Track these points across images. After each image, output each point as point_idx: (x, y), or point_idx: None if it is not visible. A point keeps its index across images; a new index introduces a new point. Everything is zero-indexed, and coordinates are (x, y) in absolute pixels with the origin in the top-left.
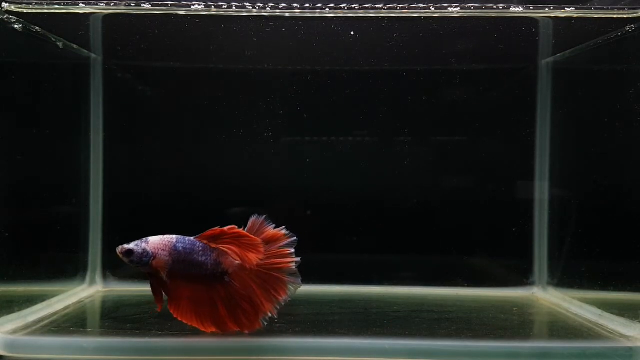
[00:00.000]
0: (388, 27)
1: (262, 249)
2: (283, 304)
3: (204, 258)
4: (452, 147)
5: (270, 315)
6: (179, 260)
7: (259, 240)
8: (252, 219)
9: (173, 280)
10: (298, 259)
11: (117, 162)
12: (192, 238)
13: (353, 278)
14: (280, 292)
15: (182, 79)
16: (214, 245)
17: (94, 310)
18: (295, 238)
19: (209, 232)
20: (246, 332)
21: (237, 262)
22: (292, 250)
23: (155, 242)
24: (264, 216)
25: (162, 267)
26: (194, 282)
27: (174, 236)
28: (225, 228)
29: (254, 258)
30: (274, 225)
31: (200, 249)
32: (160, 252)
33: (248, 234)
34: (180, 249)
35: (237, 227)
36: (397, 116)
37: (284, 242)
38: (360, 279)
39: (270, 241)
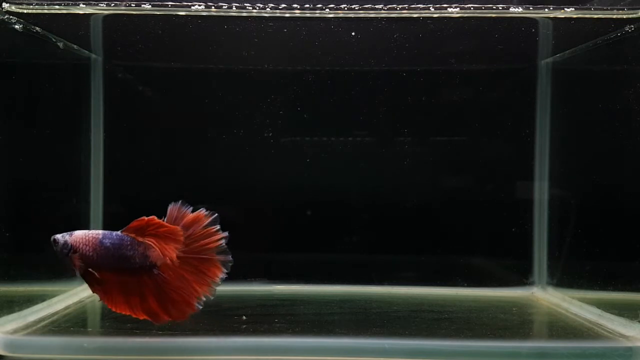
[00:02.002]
0: (388, 27)
1: (181, 237)
2: (220, 283)
3: (131, 252)
4: (452, 147)
5: (205, 298)
6: (107, 255)
7: (177, 228)
8: (170, 207)
9: (103, 274)
10: (225, 233)
11: (118, 162)
12: (119, 233)
13: (353, 278)
14: (215, 273)
15: (182, 79)
16: (140, 239)
17: (95, 310)
18: (216, 215)
19: (134, 224)
20: (178, 321)
21: (163, 253)
22: (217, 227)
23: (78, 237)
24: (180, 201)
25: (85, 261)
26: (124, 275)
27: (101, 232)
28: (148, 219)
29: (173, 249)
30: (191, 209)
31: (128, 243)
32: (82, 246)
33: (166, 223)
34: (108, 244)
35: (156, 217)
36: (397, 116)
37: (206, 222)
38: (360, 279)
39: (191, 225)
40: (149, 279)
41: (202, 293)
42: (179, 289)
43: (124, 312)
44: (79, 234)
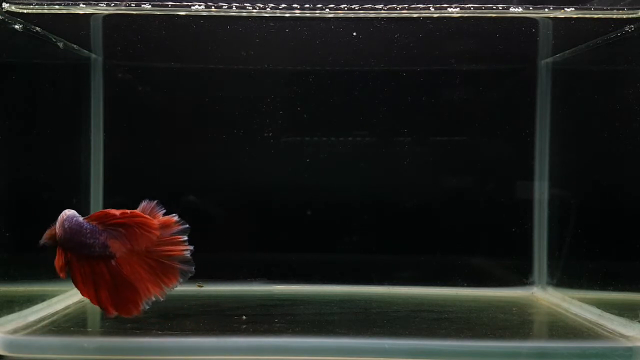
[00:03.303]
0: (388, 27)
1: (157, 230)
2: (172, 290)
3: (90, 240)
4: (452, 147)
5: (155, 299)
6: (66, 238)
7: (152, 220)
8: (143, 204)
9: (70, 255)
10: (191, 247)
11: (117, 162)
12: (81, 219)
13: (353, 278)
14: (171, 279)
15: (182, 79)
16: (102, 228)
17: (95, 310)
18: (187, 226)
19: (96, 214)
20: (124, 316)
21: (126, 246)
22: (185, 238)
23: (66, 215)
24: (155, 201)
25: (52, 238)
26: (84, 261)
27: (68, 212)
28: (107, 210)
29: (146, 240)
30: (164, 211)
31: (88, 231)
32: (57, 224)
33: (142, 213)
34: (67, 227)
35: (128, 210)
36: (397, 116)
37: (176, 229)
38: (360, 279)
39: (161, 228)
40: (105, 269)
41: (154, 294)
42: (132, 285)
43: (84, 296)
44: (63, 212)
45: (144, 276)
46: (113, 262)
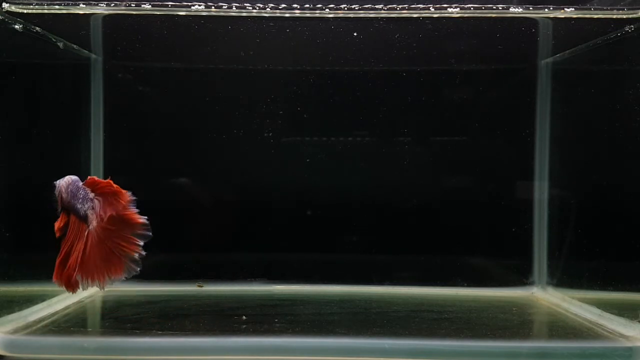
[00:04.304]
0: (388, 27)
1: (126, 200)
2: (112, 284)
3: (80, 205)
4: (452, 147)
5: (96, 286)
6: (67, 201)
7: (123, 191)
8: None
9: (68, 218)
10: (143, 252)
11: (117, 162)
12: (80, 184)
13: (353, 278)
14: (117, 272)
15: (182, 79)
16: (91, 196)
17: (94, 310)
18: (150, 234)
19: (89, 180)
20: (66, 288)
21: (98, 218)
22: (142, 243)
23: (64, 179)
24: (131, 196)
25: (58, 201)
26: (76, 224)
27: (73, 177)
28: (97, 179)
29: (113, 208)
30: (137, 211)
31: (81, 196)
32: (62, 187)
33: (114, 185)
34: (69, 190)
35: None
36: (397, 116)
37: (139, 231)
38: (360, 279)
39: (128, 223)
40: (84, 237)
41: (97, 280)
42: (88, 263)
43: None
44: (68, 177)
45: (97, 259)
46: (86, 231)
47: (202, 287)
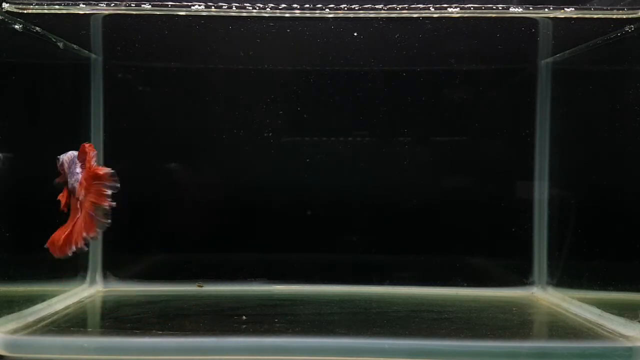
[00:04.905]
0: (388, 27)
1: (90, 155)
2: (91, 241)
3: (73, 179)
4: (452, 147)
5: (77, 248)
6: (67, 175)
7: (87, 145)
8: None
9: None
10: (113, 203)
11: (117, 162)
12: (76, 160)
13: (353, 278)
14: (92, 229)
15: (182, 79)
16: (79, 170)
17: (94, 310)
18: (118, 185)
19: (82, 149)
20: (55, 254)
21: (79, 188)
22: (109, 192)
23: (67, 154)
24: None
25: (64, 178)
26: (74, 197)
27: (73, 153)
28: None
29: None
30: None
31: (73, 170)
32: (65, 161)
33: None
34: (68, 166)
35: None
36: (397, 116)
37: (107, 183)
38: (360, 279)
39: (95, 176)
40: (76, 207)
41: (80, 242)
42: (74, 228)
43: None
44: (70, 152)
45: (78, 222)
46: (78, 205)
47: (202, 287)
